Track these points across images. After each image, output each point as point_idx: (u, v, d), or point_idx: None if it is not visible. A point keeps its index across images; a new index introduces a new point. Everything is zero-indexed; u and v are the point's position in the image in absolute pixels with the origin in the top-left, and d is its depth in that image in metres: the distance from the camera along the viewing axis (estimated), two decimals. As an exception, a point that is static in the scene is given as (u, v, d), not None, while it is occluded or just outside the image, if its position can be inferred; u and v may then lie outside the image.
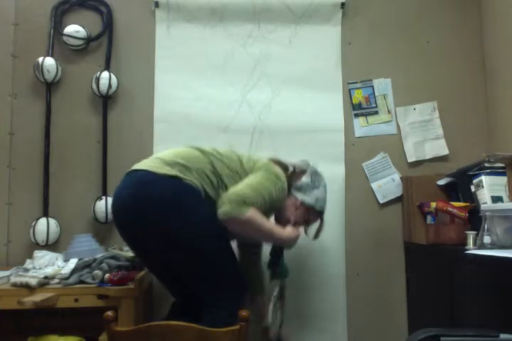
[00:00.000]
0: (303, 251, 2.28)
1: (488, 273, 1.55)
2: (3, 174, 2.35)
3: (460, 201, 2.15)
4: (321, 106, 2.45)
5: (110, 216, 2.24)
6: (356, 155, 2.46)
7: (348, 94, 2.49)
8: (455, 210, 2.06)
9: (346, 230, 2.40)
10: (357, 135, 2.48)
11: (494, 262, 1.49)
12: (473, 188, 2.10)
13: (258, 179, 1.76)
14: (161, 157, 1.77)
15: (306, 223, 1.99)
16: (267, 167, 1.84)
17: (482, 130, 2.50)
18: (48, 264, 2.07)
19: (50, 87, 2.37)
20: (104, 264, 1.96)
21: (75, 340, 1.91)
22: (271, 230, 1.78)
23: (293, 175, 1.95)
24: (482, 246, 1.75)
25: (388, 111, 2.50)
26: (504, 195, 1.98)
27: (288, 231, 1.84)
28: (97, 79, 2.33)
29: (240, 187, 1.71)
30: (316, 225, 2.03)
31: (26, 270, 2.03)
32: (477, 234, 1.83)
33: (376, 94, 2.50)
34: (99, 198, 2.31)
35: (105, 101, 2.39)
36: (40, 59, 2.31)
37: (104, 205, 2.28)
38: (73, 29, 2.36)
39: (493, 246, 1.74)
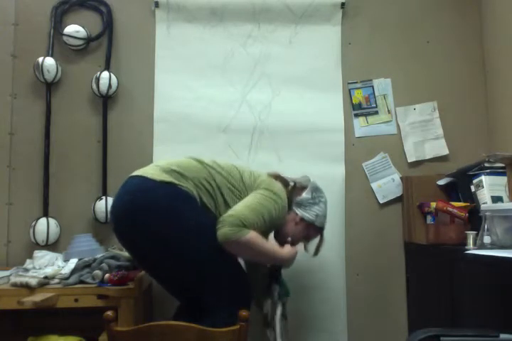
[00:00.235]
0: (302, 251, 2.28)
1: (488, 273, 1.55)
2: (3, 174, 2.35)
3: (460, 201, 2.15)
4: (321, 106, 2.45)
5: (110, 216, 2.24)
6: (356, 155, 2.46)
7: (348, 94, 2.49)
8: (455, 210, 2.06)
9: (346, 230, 2.40)
10: (357, 135, 2.48)
11: (494, 262, 1.49)
12: (473, 188, 2.10)
13: (258, 200, 1.75)
14: (159, 165, 1.78)
15: (306, 239, 1.99)
16: (267, 185, 1.81)
17: (482, 130, 2.51)
18: (48, 264, 2.07)
19: (50, 87, 2.37)
20: (104, 264, 1.96)
21: (75, 340, 1.91)
22: (270, 251, 1.77)
23: (293, 190, 1.95)
24: (482, 246, 1.75)
25: (388, 111, 2.50)
26: (504, 195, 1.98)
27: (287, 250, 1.83)
28: (97, 79, 2.33)
29: (239, 209, 1.69)
30: (316, 241, 2.02)
31: (26, 270, 2.03)
32: (477, 234, 1.83)
33: (376, 94, 2.50)
34: (99, 198, 2.31)
35: (105, 101, 2.39)
36: (40, 59, 2.31)
37: (104, 205, 2.28)
38: (73, 29, 2.36)
39: (493, 246, 1.74)
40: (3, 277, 1.95)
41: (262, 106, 2.44)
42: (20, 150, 2.37)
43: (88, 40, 2.39)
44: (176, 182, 1.70)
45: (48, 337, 1.90)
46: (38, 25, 2.41)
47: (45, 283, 1.88)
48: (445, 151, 2.48)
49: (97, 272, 1.92)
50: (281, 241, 1.93)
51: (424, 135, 2.48)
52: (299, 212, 1.90)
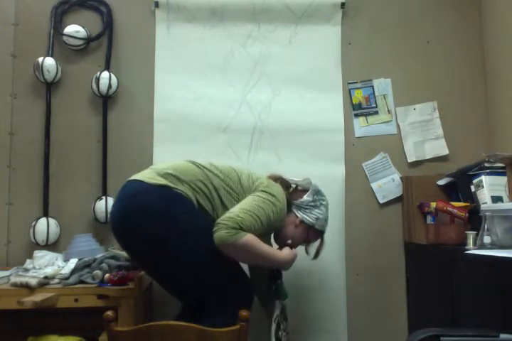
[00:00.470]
0: (302, 251, 2.28)
1: (488, 273, 1.55)
2: (3, 174, 2.35)
3: (460, 201, 2.15)
4: (321, 106, 2.45)
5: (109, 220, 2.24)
6: (356, 155, 2.46)
7: (348, 94, 2.49)
8: (455, 210, 2.05)
9: (346, 230, 2.40)
10: (357, 135, 2.48)
11: (494, 262, 1.49)
12: (473, 188, 2.10)
13: (255, 202, 1.73)
14: (155, 168, 1.79)
15: (306, 242, 1.98)
16: (265, 187, 1.80)
17: (482, 130, 2.51)
18: (48, 264, 2.07)
19: (50, 87, 2.37)
20: (104, 264, 1.96)
21: (75, 340, 1.91)
22: (268, 254, 1.75)
23: (294, 192, 1.94)
24: (482, 246, 1.75)
25: (388, 111, 2.50)
26: (504, 195, 1.98)
27: (285, 253, 1.82)
28: (97, 79, 2.33)
29: (236, 211, 1.68)
30: (316, 244, 2.01)
31: (26, 270, 2.03)
32: (477, 234, 1.83)
33: (376, 94, 2.50)
34: (99, 198, 2.31)
35: (105, 101, 2.39)
36: (40, 59, 2.31)
37: (104, 205, 2.28)
38: (73, 29, 2.36)
39: (493, 246, 1.74)
40: (3, 277, 1.95)
41: (262, 106, 2.44)
42: (20, 150, 2.37)
43: (88, 40, 2.39)
44: (172, 185, 1.70)
45: (48, 337, 1.90)
46: (38, 25, 2.41)
47: (45, 283, 1.88)
48: (445, 151, 2.48)
49: (97, 272, 1.92)
50: (280, 243, 1.93)
51: (424, 135, 2.48)
52: (299, 214, 1.89)
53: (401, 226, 2.44)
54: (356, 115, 2.49)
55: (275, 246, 1.96)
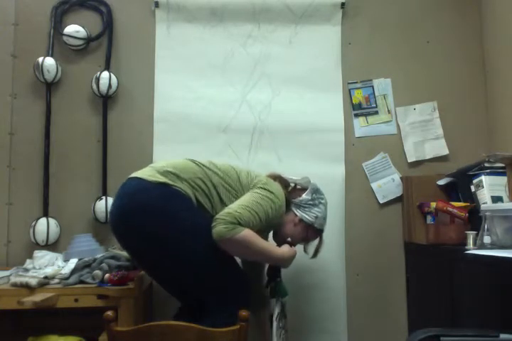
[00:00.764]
0: (302, 251, 2.28)
1: (488, 273, 1.55)
2: (3, 174, 2.35)
3: (460, 201, 2.15)
4: (321, 106, 2.45)
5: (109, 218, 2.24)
6: (356, 155, 2.46)
7: (348, 94, 2.49)
8: (455, 210, 2.05)
9: (346, 230, 2.40)
10: (357, 135, 2.48)
11: (494, 262, 1.49)
12: (473, 188, 2.10)
13: (254, 198, 1.74)
14: (155, 166, 1.79)
15: (305, 241, 1.98)
16: (264, 184, 1.81)
17: (482, 130, 2.51)
18: (48, 264, 2.07)
19: (50, 87, 2.37)
20: (104, 264, 1.95)
21: (75, 340, 1.91)
22: (267, 250, 1.75)
23: (293, 191, 1.95)
24: (482, 246, 1.75)
25: (388, 111, 2.50)
26: (504, 195, 1.98)
27: (284, 250, 1.82)
28: (97, 79, 2.33)
29: (235, 208, 1.69)
30: (315, 243, 2.01)
31: (26, 270, 2.03)
32: (477, 234, 1.83)
33: (376, 94, 2.50)
34: (99, 198, 2.31)
35: (105, 101, 2.39)
36: (40, 59, 2.31)
37: (104, 205, 2.28)
38: (73, 29, 2.36)
39: (493, 246, 1.74)
40: (3, 277, 1.95)
41: (262, 106, 2.44)
42: (20, 150, 2.37)
43: (88, 40, 2.39)
44: (171, 182, 1.71)
45: (48, 337, 1.90)
46: (38, 25, 2.41)
47: (45, 283, 1.88)
48: (445, 151, 2.48)
49: (97, 272, 1.92)
50: (279, 241, 1.93)
51: (424, 135, 2.48)
52: (298, 213, 1.90)
53: (401, 226, 2.44)
54: (356, 115, 2.49)
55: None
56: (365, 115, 2.49)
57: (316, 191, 1.95)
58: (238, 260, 1.87)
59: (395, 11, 2.54)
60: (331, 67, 2.48)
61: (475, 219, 2.00)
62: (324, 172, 2.39)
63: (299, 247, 1.96)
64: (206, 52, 2.45)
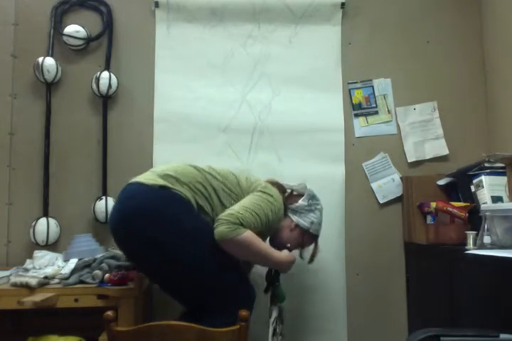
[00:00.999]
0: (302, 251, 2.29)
1: (488, 273, 1.55)
2: (3, 174, 2.35)
3: (460, 201, 2.15)
4: (321, 106, 2.45)
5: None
6: (356, 155, 2.46)
7: (348, 94, 2.49)
8: (455, 210, 2.05)
9: (346, 230, 2.40)
10: (357, 135, 2.48)
11: (494, 262, 1.49)
12: (473, 188, 2.10)
13: (254, 201, 1.76)
14: (155, 170, 1.81)
15: (301, 246, 2.00)
16: (264, 188, 1.84)
17: (482, 130, 2.50)
18: (48, 264, 2.07)
19: (50, 87, 2.37)
20: (104, 264, 1.95)
21: (75, 340, 1.91)
22: (267, 252, 1.77)
23: (290, 197, 1.98)
24: (482, 246, 1.75)
25: (388, 111, 2.50)
26: (504, 195, 1.98)
27: (284, 254, 1.84)
28: (97, 79, 2.33)
29: (237, 209, 1.71)
30: (311, 248, 2.04)
31: (26, 270, 2.03)
32: (477, 234, 1.83)
33: (376, 94, 2.50)
34: (99, 198, 2.31)
35: (105, 101, 2.39)
36: (40, 59, 2.31)
37: (104, 205, 2.28)
38: (73, 29, 2.36)
39: (493, 246, 1.74)
40: (3, 277, 1.95)
41: (262, 106, 2.44)
42: (20, 150, 2.37)
43: (88, 40, 2.39)
44: (170, 186, 1.72)
45: (48, 337, 1.90)
46: (38, 25, 2.41)
47: (45, 283, 1.88)
48: (445, 151, 2.48)
49: (97, 272, 1.92)
50: (277, 247, 1.93)
51: (424, 135, 2.48)
52: (295, 218, 1.92)
53: (401, 226, 2.44)
54: (356, 115, 2.49)
55: None
56: (365, 115, 2.49)
57: (313, 197, 1.98)
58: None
59: (395, 11, 2.54)
60: (331, 67, 2.48)
61: (475, 219, 2.00)
62: (324, 172, 2.40)
63: (295, 253, 1.96)
64: (206, 52, 2.45)
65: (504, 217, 1.72)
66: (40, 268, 2.03)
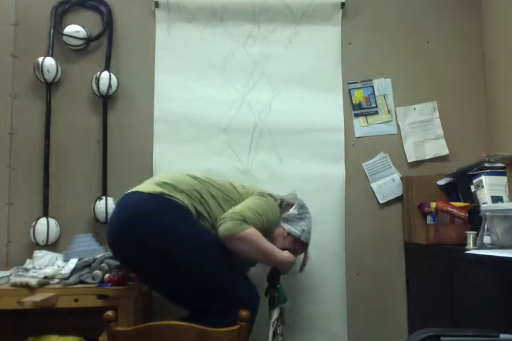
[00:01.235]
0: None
1: (488, 273, 1.55)
2: (3, 174, 2.35)
3: (460, 201, 2.15)
4: (321, 106, 2.45)
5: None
6: (356, 155, 2.46)
7: (348, 94, 2.49)
8: (455, 210, 2.06)
9: (346, 230, 2.39)
10: (357, 135, 2.48)
11: (494, 262, 1.49)
12: (473, 188, 2.10)
13: (256, 200, 1.84)
14: (152, 179, 1.86)
15: (293, 254, 2.01)
16: (261, 193, 1.92)
17: (482, 130, 2.50)
18: (48, 264, 2.07)
19: (50, 87, 2.37)
20: (104, 264, 1.95)
21: (75, 340, 1.91)
22: (270, 250, 1.82)
23: (281, 206, 2.02)
24: (482, 246, 1.75)
25: (388, 111, 2.50)
26: (504, 195, 1.98)
27: (286, 254, 1.89)
28: (97, 79, 2.33)
29: (239, 208, 1.77)
30: (301, 257, 2.08)
31: (26, 270, 2.03)
32: (477, 234, 1.83)
33: (376, 94, 2.50)
34: (99, 198, 2.31)
35: (105, 101, 2.39)
36: (40, 59, 2.31)
37: (104, 205, 2.28)
38: (73, 29, 2.36)
39: (493, 246, 1.74)
40: (3, 277, 1.95)
41: (262, 106, 2.44)
42: (20, 150, 2.37)
43: (88, 40, 2.39)
44: (168, 192, 1.74)
45: (48, 337, 1.90)
46: (38, 25, 2.41)
47: (45, 283, 1.88)
48: (445, 151, 2.47)
49: (97, 272, 1.92)
50: None
51: (424, 135, 2.48)
52: (287, 227, 1.97)
53: (401, 226, 2.44)
54: (356, 115, 2.49)
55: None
56: (365, 115, 2.49)
57: (302, 206, 2.04)
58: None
59: (395, 11, 2.54)
60: (331, 67, 2.48)
61: (475, 219, 2.00)
62: (324, 172, 2.40)
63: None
64: (206, 52, 2.45)
65: (504, 217, 1.72)
66: (40, 268, 2.03)
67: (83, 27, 2.38)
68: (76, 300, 1.84)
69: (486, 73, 2.52)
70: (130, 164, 2.37)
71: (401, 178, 2.43)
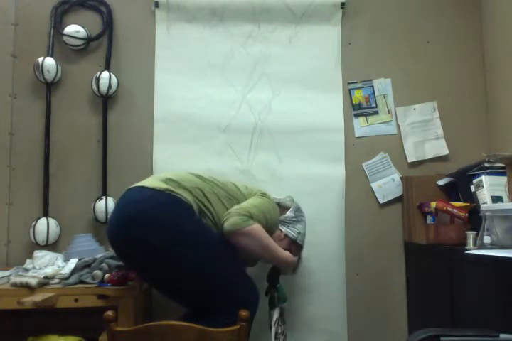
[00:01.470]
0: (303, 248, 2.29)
1: (488, 273, 1.55)
2: (3, 174, 2.35)
3: (460, 201, 2.15)
4: (321, 106, 2.45)
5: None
6: (356, 155, 2.46)
7: (348, 94, 2.49)
8: (455, 210, 2.05)
9: (346, 230, 2.39)
10: (357, 135, 2.48)
11: (494, 262, 1.49)
12: (473, 188, 2.10)
13: (259, 200, 1.87)
14: (156, 176, 1.87)
15: None
16: (264, 193, 1.96)
17: (482, 130, 2.50)
18: (48, 264, 2.07)
19: (50, 87, 2.37)
20: (104, 264, 1.95)
21: (75, 340, 1.91)
22: (274, 247, 1.84)
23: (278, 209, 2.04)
24: (482, 246, 1.75)
25: (388, 111, 2.50)
26: (504, 195, 1.98)
27: (287, 253, 1.91)
28: (97, 79, 2.33)
29: (246, 205, 1.80)
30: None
31: (26, 270, 2.03)
32: (477, 234, 1.83)
33: (376, 94, 2.50)
34: (99, 198, 2.31)
35: (105, 101, 2.39)
36: (40, 59, 2.31)
37: (104, 205, 2.28)
38: (73, 29, 2.36)
39: (493, 246, 1.74)
40: (3, 277, 1.95)
41: (262, 106, 2.44)
42: (20, 150, 2.37)
43: (88, 40, 2.39)
44: (172, 189, 1.74)
45: (48, 337, 1.90)
46: (38, 25, 2.41)
47: (45, 283, 1.88)
48: (445, 151, 2.47)
49: (97, 272, 1.92)
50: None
51: (424, 135, 2.48)
52: (284, 229, 1.99)
53: (401, 226, 2.44)
54: (356, 115, 2.49)
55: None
56: (365, 115, 2.49)
57: (298, 209, 2.07)
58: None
59: (395, 11, 2.54)
60: (331, 67, 2.48)
61: (475, 219, 2.00)
62: (324, 172, 2.40)
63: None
64: (206, 52, 2.45)
65: (504, 217, 1.72)
66: (40, 268, 2.03)
67: (83, 27, 2.38)
68: (76, 300, 1.84)
69: (486, 73, 2.52)
70: (130, 164, 2.37)
71: (401, 178, 2.43)
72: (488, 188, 2.01)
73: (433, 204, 2.14)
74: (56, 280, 1.92)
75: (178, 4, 2.44)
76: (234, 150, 2.40)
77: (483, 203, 1.98)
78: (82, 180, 2.37)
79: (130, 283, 1.91)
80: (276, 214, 1.93)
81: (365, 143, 2.47)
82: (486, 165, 2.06)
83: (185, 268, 1.69)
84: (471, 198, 2.10)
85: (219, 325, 1.42)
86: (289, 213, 2.03)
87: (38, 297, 1.75)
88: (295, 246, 2.01)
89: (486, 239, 1.76)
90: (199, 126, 2.41)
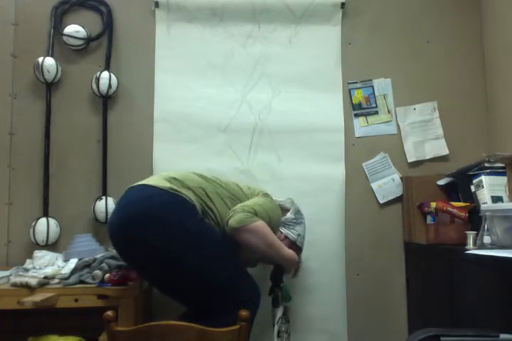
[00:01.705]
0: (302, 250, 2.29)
1: (488, 273, 1.55)
2: (3, 174, 2.35)
3: (460, 201, 2.15)
4: (321, 106, 2.45)
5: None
6: (356, 155, 2.46)
7: (348, 94, 2.49)
8: (455, 210, 2.06)
9: (346, 230, 2.39)
10: (357, 135, 2.48)
11: (494, 262, 1.49)
12: (473, 188, 2.10)
13: (262, 200, 1.88)
14: (159, 174, 1.87)
15: None
16: (266, 194, 1.97)
17: (482, 130, 2.50)
18: (48, 264, 2.07)
19: (50, 87, 2.37)
20: (104, 264, 1.95)
21: (75, 340, 1.91)
22: (278, 244, 1.85)
23: None
24: (482, 246, 1.75)
25: (388, 111, 2.50)
26: (504, 195, 1.98)
27: (291, 251, 1.91)
28: (97, 79, 2.33)
29: (250, 203, 1.81)
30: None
31: (26, 270, 2.03)
32: (477, 234, 1.83)
33: (376, 94, 2.50)
34: (99, 198, 2.31)
35: (105, 101, 2.39)
36: (40, 59, 2.31)
37: (104, 205, 2.28)
38: (73, 29, 2.36)
39: (493, 246, 1.74)
40: (3, 277, 1.95)
41: (262, 106, 2.44)
42: (20, 150, 2.37)
43: (88, 40, 2.39)
44: (176, 188, 1.74)
45: (48, 337, 1.90)
46: (38, 25, 2.41)
47: (45, 283, 1.88)
48: (445, 151, 2.48)
49: (97, 272, 1.92)
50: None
51: (424, 135, 2.48)
52: (284, 230, 2.00)
53: (401, 226, 2.44)
54: (356, 115, 2.49)
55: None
56: (365, 115, 2.49)
57: (298, 211, 2.08)
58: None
59: (395, 11, 2.54)
60: (331, 67, 2.48)
61: (475, 219, 2.00)
62: (324, 172, 2.40)
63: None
64: (206, 52, 2.45)
65: (504, 217, 1.72)
66: (40, 268, 2.03)
67: (83, 27, 2.38)
68: (76, 300, 1.84)
69: (486, 73, 2.52)
70: (130, 164, 2.37)
71: (401, 178, 2.43)
72: (488, 188, 2.01)
73: (433, 204, 2.14)
74: (56, 280, 1.92)
75: (178, 4, 2.44)
76: (234, 150, 2.40)
77: (483, 203, 1.98)
78: (82, 180, 2.37)
79: (130, 283, 1.90)
80: (279, 215, 1.94)
81: (365, 143, 2.47)
82: (486, 165, 2.06)
83: (185, 267, 1.68)
84: (471, 198, 2.10)
85: (219, 324, 1.42)
86: (289, 215, 2.03)
87: (38, 297, 1.75)
88: (295, 247, 2.00)
89: (486, 239, 1.76)
90: (199, 126, 2.41)
